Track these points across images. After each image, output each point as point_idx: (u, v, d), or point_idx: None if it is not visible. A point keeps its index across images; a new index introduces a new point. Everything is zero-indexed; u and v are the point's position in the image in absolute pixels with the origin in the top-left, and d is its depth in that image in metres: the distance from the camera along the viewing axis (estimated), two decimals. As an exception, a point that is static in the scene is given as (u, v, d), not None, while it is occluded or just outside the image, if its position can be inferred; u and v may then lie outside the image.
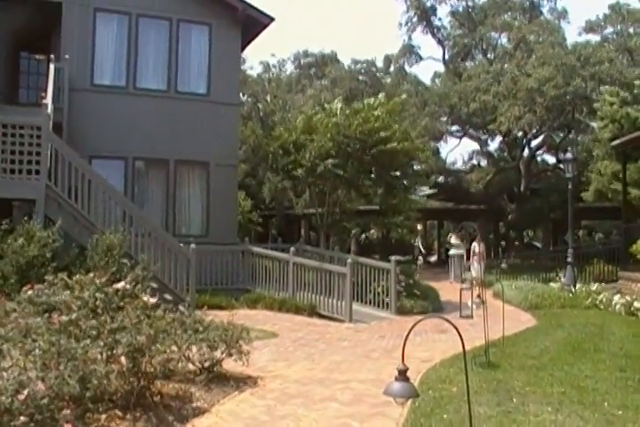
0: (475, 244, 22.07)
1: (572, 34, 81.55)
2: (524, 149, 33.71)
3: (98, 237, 10.92)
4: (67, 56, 14.48)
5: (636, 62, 28.36)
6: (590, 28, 33.61)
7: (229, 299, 13.77)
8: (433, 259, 37.53)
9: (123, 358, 5.74)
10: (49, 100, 12.86)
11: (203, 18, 16.60)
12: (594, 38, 32.80)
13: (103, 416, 5.34)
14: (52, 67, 13.99)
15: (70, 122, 14.20)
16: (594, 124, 26.84)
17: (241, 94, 29.61)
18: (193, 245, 12.78)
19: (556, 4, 34.20)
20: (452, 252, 23.61)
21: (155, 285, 11.07)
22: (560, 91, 26.90)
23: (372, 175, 19.84)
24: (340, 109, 19.38)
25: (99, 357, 5.47)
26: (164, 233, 13.31)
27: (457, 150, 76.77)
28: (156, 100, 15.95)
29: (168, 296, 11.85)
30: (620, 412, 6.14)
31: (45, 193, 11.66)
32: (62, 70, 14.25)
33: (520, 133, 31.65)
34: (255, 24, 17.20)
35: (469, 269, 21.30)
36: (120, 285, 7.24)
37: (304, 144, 18.67)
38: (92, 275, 7.26)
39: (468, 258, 24.35)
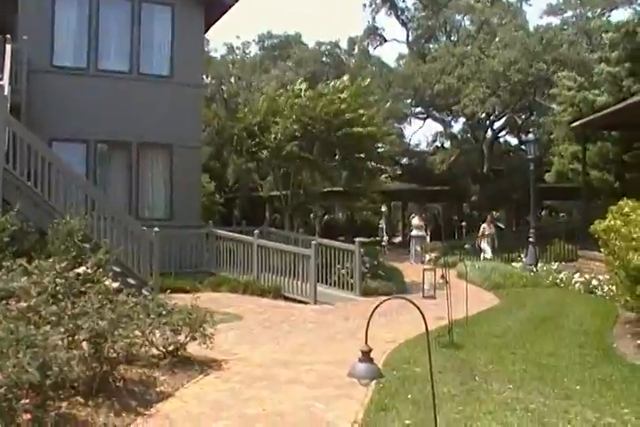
0: (484, 225, 21.93)
1: (534, 16, 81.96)
2: (487, 131, 33.98)
3: (58, 221, 10.68)
4: (25, 37, 14.06)
5: (594, 46, 28.65)
6: (551, 11, 33.89)
7: (193, 282, 13.65)
8: (397, 240, 37.73)
9: (84, 344, 5.63)
10: (6, 81, 12.48)
11: (165, -2, 16.28)
12: (555, 21, 33.11)
13: (64, 404, 5.23)
14: (8, 47, 13.55)
15: (29, 104, 13.85)
16: (554, 107, 27.11)
17: (204, 76, 29.23)
18: (156, 229, 12.61)
19: (517, -14, 34.36)
20: (413, 233, 23.72)
21: (117, 269, 10.92)
22: (524, 74, 27.09)
23: (337, 157, 19.86)
24: (303, 91, 19.29)
25: (59, 343, 5.34)
26: (127, 217, 13.11)
27: (421, 132, 77.40)
28: (119, 82, 15.61)
29: (131, 280, 11.69)
30: (579, 387, 6.25)
31: (3, 177, 11.36)
32: (20, 51, 13.82)
33: (483, 115, 31.86)
34: (218, 4, 16.93)
35: (481, 252, 21.18)
36: (81, 269, 7.11)
37: (269, 126, 18.60)
38: (52, 260, 7.11)
39: (432, 239, 24.52)
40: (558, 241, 20.07)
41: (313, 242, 13.69)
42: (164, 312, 6.93)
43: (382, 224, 36.92)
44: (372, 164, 20.60)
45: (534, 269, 16.62)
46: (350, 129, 18.26)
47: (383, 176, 22.89)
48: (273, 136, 18.31)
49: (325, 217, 38.46)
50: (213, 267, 15.18)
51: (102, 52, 15.64)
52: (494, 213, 24.61)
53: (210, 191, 27.32)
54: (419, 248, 22.91)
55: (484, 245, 21.25)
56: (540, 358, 7.44)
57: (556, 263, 17.21)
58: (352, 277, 13.96)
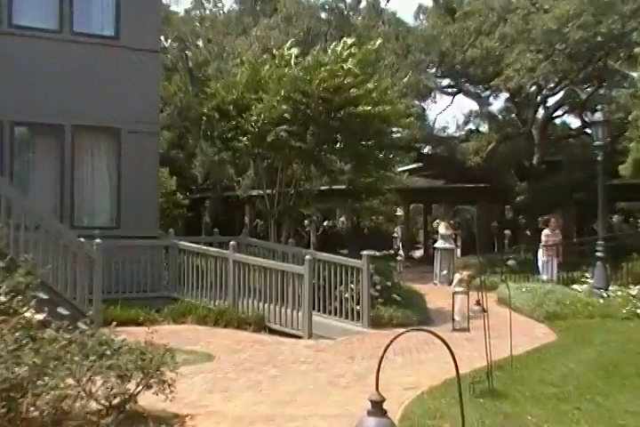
0: (546, 231, 21.64)
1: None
2: (538, 109, 33.91)
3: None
4: None
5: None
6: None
7: (149, 311, 13.81)
8: (418, 254, 37.82)
9: (-7, 401, 5.56)
10: None
11: None
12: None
13: None
14: None
15: None
16: (634, 75, 26.96)
17: (163, 38, 29.26)
18: (98, 240, 12.65)
19: None
20: (438, 244, 23.75)
21: (44, 295, 10.88)
22: (588, 32, 26.93)
23: (339, 146, 19.86)
24: (294, 57, 19.29)
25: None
26: (58, 225, 13.13)
27: (449, 111, 77.17)
28: (45, 44, 15.65)
29: (63, 310, 11.67)
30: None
31: None
32: None
33: (533, 88, 31.81)
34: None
35: (541, 269, 20.86)
36: (-9, 297, 7.06)
37: (249, 105, 18.60)
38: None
39: (464, 253, 24.51)
40: (639, 257, 20.01)
41: (307, 257, 13.76)
42: (107, 352, 6.89)
43: (398, 233, 37.06)
44: (384, 153, 20.60)
45: (604, 295, 16.56)
46: (355, 108, 18.25)
47: (399, 170, 22.87)
48: (254, 118, 18.29)
49: (325, 224, 38.54)
50: (175, 290, 15.33)
51: (20, 2, 15.55)
52: (551, 218, 24.18)
53: (170, 190, 27.35)
54: (446, 265, 22.93)
55: (546, 258, 20.83)
56: (617, 417, 7.36)
57: (637, 287, 17.15)
58: (358, 304, 14.00)
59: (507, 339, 9.24)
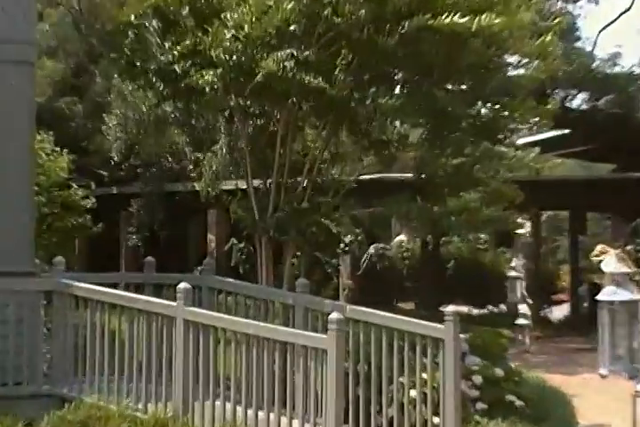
0: None
1: None
2: None
3: None
4: None
5: None
6: None
7: (11, 425, 13.68)
8: (559, 313, 37.84)
9: None
10: None
11: None
12: None
13: None
14: None
15: None
16: None
17: None
18: None
19: None
20: (604, 294, 23.56)
21: None
22: None
23: (399, 91, 19.59)
24: None
25: None
26: None
27: (624, 25, 76.37)
28: None
29: None
30: None
31: None
32: None
33: None
34: None
35: None
36: None
37: (220, 6, 18.38)
38: None
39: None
40: None
41: (333, 315, 13.37)
42: None
43: (519, 270, 36.76)
44: (492, 108, 20.36)
45: None
46: (434, 19, 17.96)
47: (520, 142, 22.70)
48: (231, 33, 18.04)
49: (371, 250, 38.53)
50: (67, 381, 15.40)
51: None
52: None
53: (59, 179, 27.19)
54: (622, 337, 22.74)
55: None
56: None
57: None
58: (437, 413, 14.06)
59: None
